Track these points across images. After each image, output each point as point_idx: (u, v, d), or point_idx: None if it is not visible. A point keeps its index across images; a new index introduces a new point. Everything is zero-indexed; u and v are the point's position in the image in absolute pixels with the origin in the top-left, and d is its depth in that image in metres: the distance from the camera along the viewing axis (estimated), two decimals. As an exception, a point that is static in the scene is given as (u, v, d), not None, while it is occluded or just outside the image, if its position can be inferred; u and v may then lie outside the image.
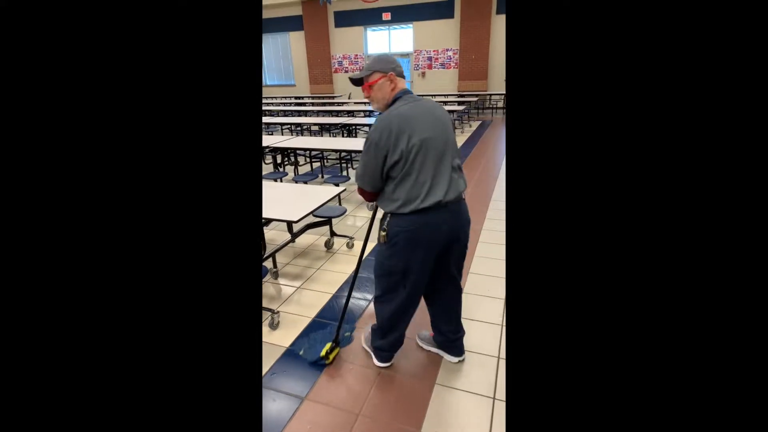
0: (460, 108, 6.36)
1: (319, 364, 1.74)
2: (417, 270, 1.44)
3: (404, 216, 1.36)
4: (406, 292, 1.51)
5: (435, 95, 8.70)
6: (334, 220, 2.98)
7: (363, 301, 2.24)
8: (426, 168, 1.32)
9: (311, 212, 2.19)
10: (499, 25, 9.55)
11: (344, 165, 4.64)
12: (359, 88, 1.48)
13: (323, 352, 1.74)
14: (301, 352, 1.83)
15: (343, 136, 5.85)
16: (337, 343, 1.80)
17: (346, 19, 10.90)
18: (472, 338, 1.84)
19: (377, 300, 1.61)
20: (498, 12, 9.47)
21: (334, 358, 1.77)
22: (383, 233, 1.43)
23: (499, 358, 1.75)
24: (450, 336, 1.67)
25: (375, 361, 1.73)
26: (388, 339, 1.65)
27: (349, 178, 3.77)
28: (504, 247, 2.78)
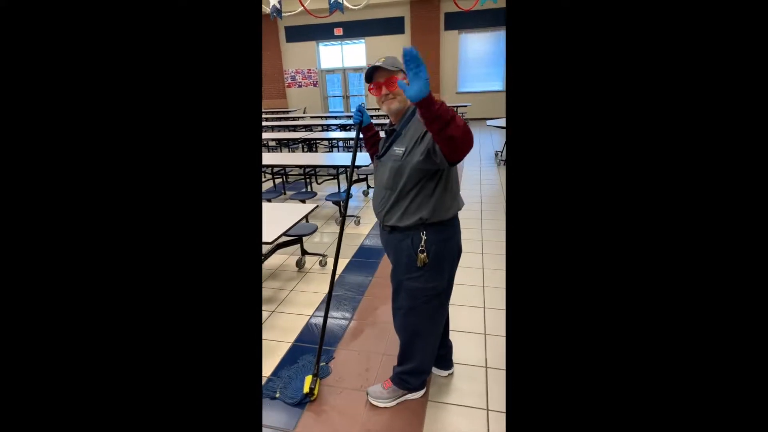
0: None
1: (304, 403, 1.60)
2: (452, 280, 1.41)
3: (444, 224, 1.30)
4: (445, 309, 1.45)
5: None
6: (304, 238, 2.89)
7: (342, 320, 2.17)
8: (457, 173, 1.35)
9: (284, 232, 2.11)
10: (447, 40, 9.94)
11: (308, 180, 4.54)
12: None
13: (306, 388, 1.60)
14: (276, 395, 1.64)
15: (303, 150, 5.75)
16: (317, 375, 1.66)
17: (298, 34, 10.85)
18: (457, 350, 1.84)
19: (418, 337, 1.44)
20: (446, 29, 9.86)
21: (318, 392, 1.64)
22: (422, 255, 1.29)
23: (486, 367, 1.76)
24: (440, 350, 1.65)
25: (411, 396, 1.59)
26: (426, 374, 1.57)
27: (315, 194, 3.69)
28: (479, 255, 2.83)
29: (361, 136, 1.55)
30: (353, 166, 1.65)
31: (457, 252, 1.38)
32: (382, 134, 1.56)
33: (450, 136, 1.02)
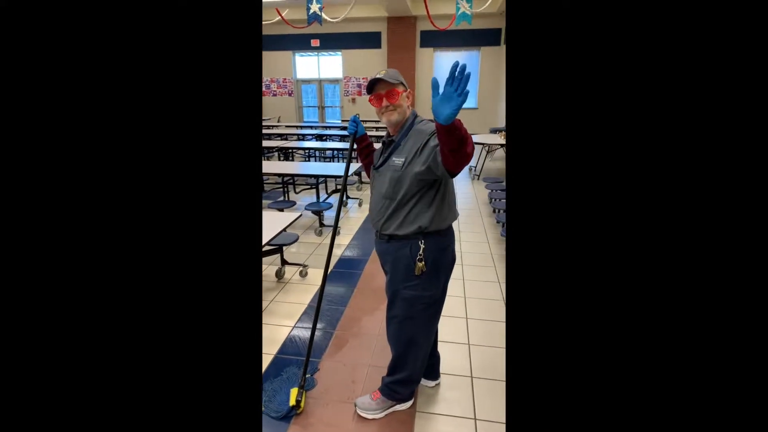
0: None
1: (290, 416, 1.55)
2: (446, 289, 1.43)
3: (441, 233, 1.33)
4: (438, 319, 1.47)
5: (366, 121, 8.92)
6: (284, 248, 2.84)
7: (326, 332, 2.14)
8: None
9: (268, 242, 2.07)
10: (422, 57, 10.19)
11: (286, 189, 4.48)
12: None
13: (292, 401, 1.56)
14: (261, 408, 1.60)
15: (279, 159, 5.68)
16: (303, 387, 1.61)
17: (274, 43, 10.79)
18: (442, 360, 1.85)
19: (412, 346, 1.44)
20: (421, 46, 10.12)
21: (304, 405, 1.60)
22: (420, 263, 1.30)
23: (472, 377, 1.78)
24: (429, 360, 1.66)
25: (400, 407, 1.58)
26: (416, 384, 1.58)
27: (294, 203, 3.64)
28: (459, 267, 2.88)
29: (355, 146, 1.57)
30: (346, 176, 1.66)
31: (452, 261, 1.41)
32: (376, 146, 1.58)
33: (464, 154, 1.05)
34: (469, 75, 0.90)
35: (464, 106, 0.92)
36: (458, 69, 0.90)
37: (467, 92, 0.91)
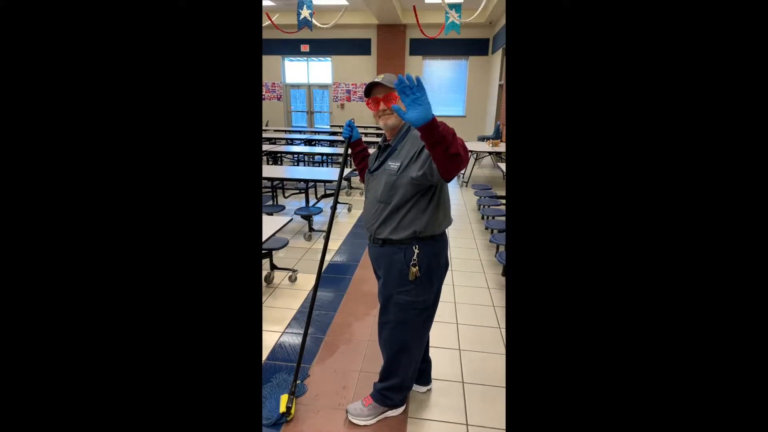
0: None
1: (280, 423, 1.52)
2: (439, 295, 1.43)
3: (435, 239, 1.33)
4: (430, 324, 1.46)
5: (358, 126, 8.93)
6: (273, 252, 2.81)
7: (316, 337, 2.12)
8: None
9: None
10: (412, 65, 10.29)
11: (275, 194, 4.44)
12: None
13: (282, 408, 1.53)
14: None
15: (268, 163, 5.64)
16: (294, 393, 1.59)
17: (264, 47, 10.75)
18: (433, 365, 1.85)
19: (404, 352, 1.43)
20: (410, 54, 10.22)
21: (294, 411, 1.57)
22: (414, 269, 1.31)
23: (463, 383, 1.79)
24: (420, 365, 1.66)
25: (391, 413, 1.57)
26: (408, 389, 1.57)
27: (284, 207, 3.62)
28: (449, 272, 2.89)
29: (349, 151, 1.58)
30: (340, 180, 1.66)
31: (445, 266, 1.41)
32: (370, 150, 1.59)
33: (451, 155, 1.05)
34: (410, 78, 0.98)
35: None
36: (403, 81, 0.98)
37: (421, 84, 0.99)
